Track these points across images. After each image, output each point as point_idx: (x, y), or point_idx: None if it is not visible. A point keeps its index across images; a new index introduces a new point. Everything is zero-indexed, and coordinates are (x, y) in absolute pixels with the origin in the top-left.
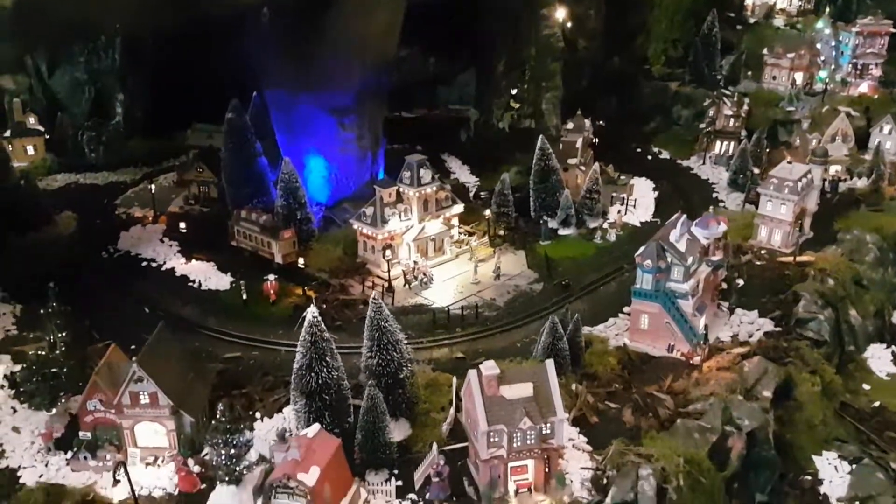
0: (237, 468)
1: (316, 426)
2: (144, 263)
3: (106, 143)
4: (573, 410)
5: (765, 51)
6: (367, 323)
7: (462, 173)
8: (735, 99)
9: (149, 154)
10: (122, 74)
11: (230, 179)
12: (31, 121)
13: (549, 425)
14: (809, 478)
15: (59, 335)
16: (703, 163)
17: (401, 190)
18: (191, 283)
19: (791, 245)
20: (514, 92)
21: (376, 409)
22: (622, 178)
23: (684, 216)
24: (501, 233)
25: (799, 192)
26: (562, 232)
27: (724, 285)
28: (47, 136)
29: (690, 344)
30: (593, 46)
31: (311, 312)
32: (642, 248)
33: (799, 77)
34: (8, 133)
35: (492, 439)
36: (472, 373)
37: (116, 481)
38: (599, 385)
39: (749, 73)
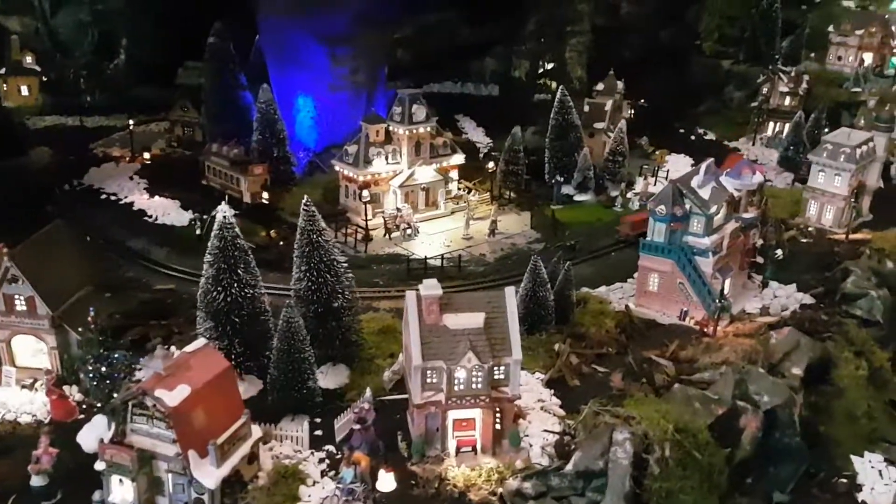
0: (113, 392)
1: (201, 341)
2: (104, 197)
3: (104, 87)
4: (551, 371)
5: (830, 27)
6: (297, 235)
7: (475, 134)
8: (792, 75)
9: (151, 101)
10: (126, 16)
11: (210, 113)
12: (29, 60)
13: (501, 368)
14: (845, 481)
15: None
16: (753, 144)
17: (390, 128)
18: (146, 218)
19: (845, 225)
20: (547, 66)
21: (293, 335)
22: (657, 152)
23: (711, 160)
24: (509, 195)
25: (857, 160)
26: (578, 198)
27: (760, 258)
28: (44, 78)
29: (707, 310)
30: (639, 13)
31: (222, 212)
32: (656, 193)
33: (868, 58)
34: (2, 71)
35: (428, 379)
36: (409, 295)
37: None
38: (588, 346)
39: (812, 54)
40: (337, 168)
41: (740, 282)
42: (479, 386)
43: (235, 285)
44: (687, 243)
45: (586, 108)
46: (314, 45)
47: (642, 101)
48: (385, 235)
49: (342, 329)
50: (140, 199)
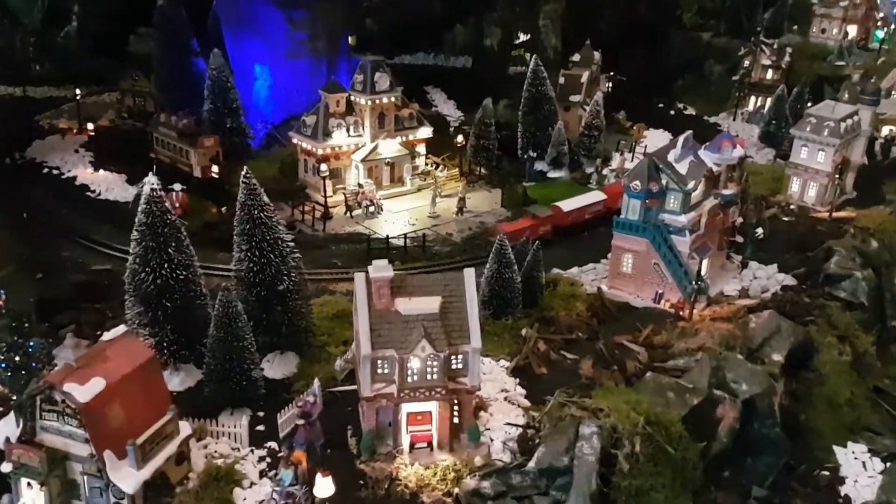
0: (27, 383)
1: (121, 328)
2: (46, 171)
3: (54, 56)
4: (517, 358)
5: None
6: (237, 211)
7: (446, 107)
8: (775, 48)
9: (103, 70)
10: None
11: (160, 81)
12: None
13: (459, 357)
14: (827, 473)
15: None
16: (734, 119)
17: (352, 98)
18: (89, 193)
19: (828, 203)
20: (522, 38)
21: (231, 322)
22: (634, 127)
23: (689, 133)
24: (479, 171)
25: (841, 135)
26: (552, 174)
27: (739, 237)
28: None
29: (683, 292)
30: None
31: (150, 184)
32: (632, 167)
33: (852, 30)
34: None
35: (378, 370)
36: (358, 277)
37: None
38: (557, 331)
39: (795, 27)
40: (294, 141)
41: (719, 262)
42: (435, 377)
43: (166, 266)
44: (663, 221)
45: (561, 81)
46: (270, 8)
47: (621, 77)
48: (346, 213)
49: (289, 314)
50: (84, 173)
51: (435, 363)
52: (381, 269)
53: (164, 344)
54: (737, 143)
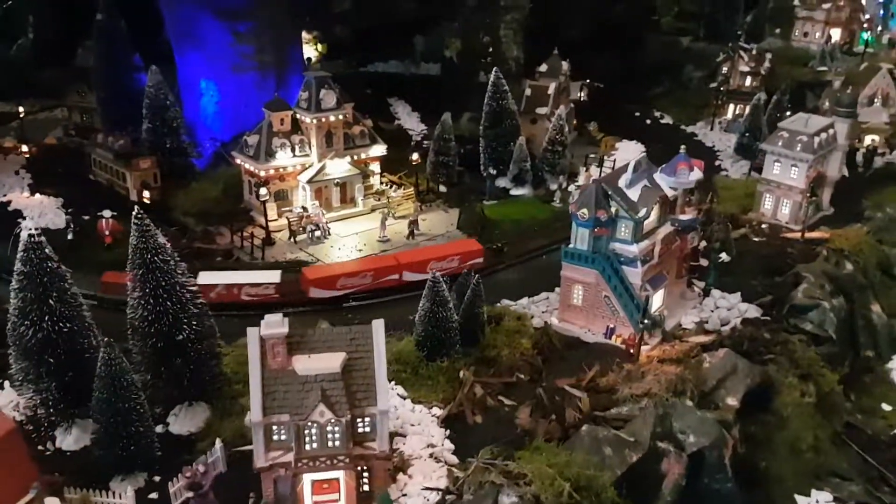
0: None
1: None
2: None
3: (6, 71)
4: (450, 406)
5: (796, 1)
6: (129, 253)
7: (409, 120)
8: (754, 53)
9: (57, 85)
10: None
11: (101, 98)
12: None
13: (366, 419)
14: None
15: None
16: (711, 128)
17: (297, 116)
18: (21, 219)
19: (803, 221)
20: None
21: (115, 380)
22: (603, 139)
23: (643, 156)
24: (441, 189)
25: (815, 150)
26: (514, 192)
27: (704, 261)
28: None
29: (635, 327)
30: None
31: (27, 228)
32: (578, 194)
33: (836, 34)
34: None
35: (274, 436)
36: (251, 332)
37: None
38: (497, 373)
39: (777, 30)
40: (238, 161)
41: (678, 290)
42: (337, 444)
43: (47, 319)
44: (613, 251)
45: (528, 92)
46: (213, 21)
47: (597, 83)
48: (290, 238)
49: (191, 366)
50: (20, 197)
51: (336, 429)
52: (273, 324)
53: (51, 402)
54: (694, 164)
